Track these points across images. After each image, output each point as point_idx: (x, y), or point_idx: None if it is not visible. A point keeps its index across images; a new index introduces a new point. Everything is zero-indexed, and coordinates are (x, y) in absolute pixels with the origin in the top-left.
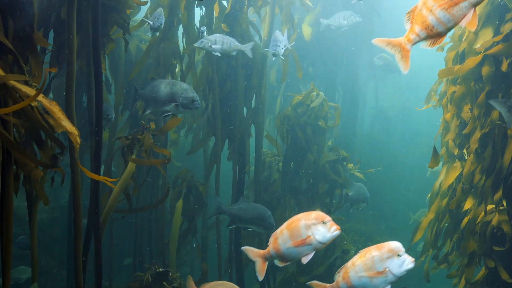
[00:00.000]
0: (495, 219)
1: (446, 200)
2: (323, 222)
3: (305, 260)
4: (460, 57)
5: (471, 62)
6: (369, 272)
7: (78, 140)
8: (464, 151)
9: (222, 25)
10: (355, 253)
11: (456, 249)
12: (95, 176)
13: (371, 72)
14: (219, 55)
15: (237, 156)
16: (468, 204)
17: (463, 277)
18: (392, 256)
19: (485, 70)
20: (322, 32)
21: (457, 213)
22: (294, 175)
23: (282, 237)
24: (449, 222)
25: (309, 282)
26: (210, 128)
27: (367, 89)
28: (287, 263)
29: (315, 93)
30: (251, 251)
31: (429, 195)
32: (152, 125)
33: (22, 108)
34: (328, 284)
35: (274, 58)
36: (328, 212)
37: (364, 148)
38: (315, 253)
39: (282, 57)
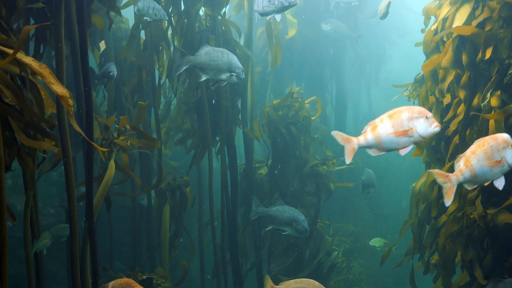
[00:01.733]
0: (471, 217)
1: (421, 205)
2: (426, 117)
3: (403, 152)
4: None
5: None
6: (489, 161)
7: (71, 102)
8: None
9: None
10: (340, 254)
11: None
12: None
13: (357, 68)
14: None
15: (227, 151)
16: (452, 208)
17: (440, 279)
18: (506, 147)
19: (464, 57)
20: (306, 34)
21: (436, 216)
22: (281, 176)
23: (383, 125)
24: (430, 225)
25: (430, 171)
26: (198, 125)
27: (360, 94)
28: (381, 153)
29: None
30: (341, 136)
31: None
32: (126, 123)
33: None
34: (450, 174)
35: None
36: (317, 213)
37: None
38: (302, 255)
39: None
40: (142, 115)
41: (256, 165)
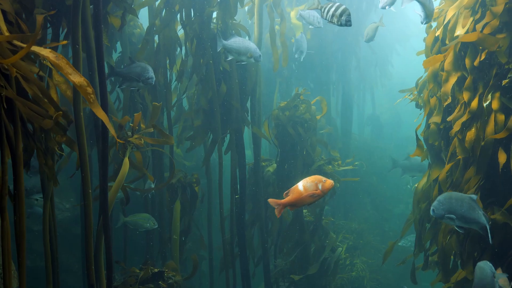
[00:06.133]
0: None
1: (422, 205)
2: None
3: None
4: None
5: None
6: None
7: (89, 89)
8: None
9: None
10: (343, 250)
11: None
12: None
13: (362, 72)
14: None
15: (236, 149)
16: None
17: (439, 275)
18: None
19: (467, 60)
20: (314, 38)
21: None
22: (288, 174)
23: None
24: (430, 223)
25: None
26: (207, 123)
27: (364, 96)
28: None
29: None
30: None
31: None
32: (141, 122)
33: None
34: None
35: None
36: (321, 210)
37: (360, 151)
38: (307, 251)
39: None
40: (156, 114)
41: (263, 163)
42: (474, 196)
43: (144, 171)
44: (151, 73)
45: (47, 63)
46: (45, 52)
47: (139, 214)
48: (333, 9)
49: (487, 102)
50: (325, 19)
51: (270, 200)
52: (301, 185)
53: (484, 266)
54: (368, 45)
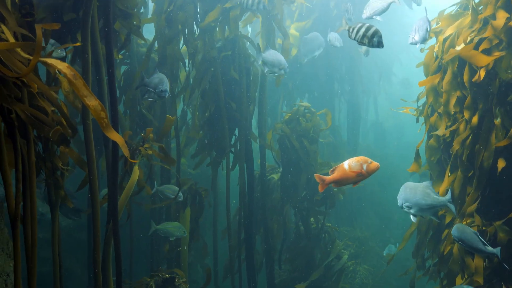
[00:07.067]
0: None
1: None
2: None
3: None
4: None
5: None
6: None
7: (103, 114)
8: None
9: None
10: (350, 258)
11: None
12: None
13: (367, 85)
14: None
15: (243, 156)
16: (448, 218)
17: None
18: None
19: (465, 76)
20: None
21: (438, 224)
22: (292, 183)
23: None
24: (431, 234)
25: None
26: (213, 135)
27: (368, 103)
28: None
29: (303, 107)
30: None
31: None
32: (150, 134)
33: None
34: None
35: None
36: (323, 220)
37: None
38: (312, 258)
39: None
40: (169, 127)
41: (267, 174)
42: (429, 183)
43: (143, 184)
44: (165, 86)
45: (59, 76)
46: (62, 66)
47: (170, 222)
48: (363, 29)
49: (498, 119)
50: (354, 39)
51: (316, 175)
52: (346, 163)
53: None
54: (371, 55)
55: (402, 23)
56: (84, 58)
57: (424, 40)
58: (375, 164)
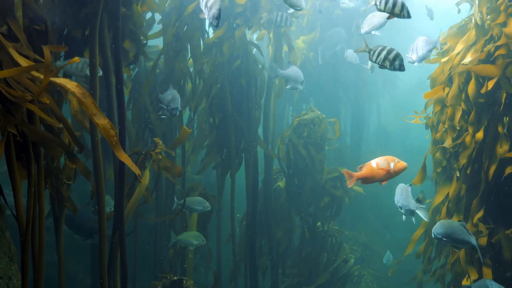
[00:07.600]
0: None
1: (437, 217)
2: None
3: None
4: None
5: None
6: None
7: (112, 132)
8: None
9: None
10: (355, 262)
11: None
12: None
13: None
14: None
15: (250, 164)
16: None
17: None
18: None
19: (470, 90)
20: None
21: None
22: (298, 190)
23: None
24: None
25: None
26: (220, 141)
27: (371, 107)
28: None
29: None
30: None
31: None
32: (160, 142)
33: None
34: None
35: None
36: (329, 224)
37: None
38: (318, 263)
39: None
40: (184, 138)
41: (274, 176)
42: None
43: (147, 196)
44: (176, 104)
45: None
46: (71, 85)
47: (189, 232)
48: (384, 52)
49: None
50: (375, 62)
51: (344, 170)
52: (374, 162)
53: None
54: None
55: (406, 25)
56: (93, 74)
57: (422, 60)
58: (402, 163)
